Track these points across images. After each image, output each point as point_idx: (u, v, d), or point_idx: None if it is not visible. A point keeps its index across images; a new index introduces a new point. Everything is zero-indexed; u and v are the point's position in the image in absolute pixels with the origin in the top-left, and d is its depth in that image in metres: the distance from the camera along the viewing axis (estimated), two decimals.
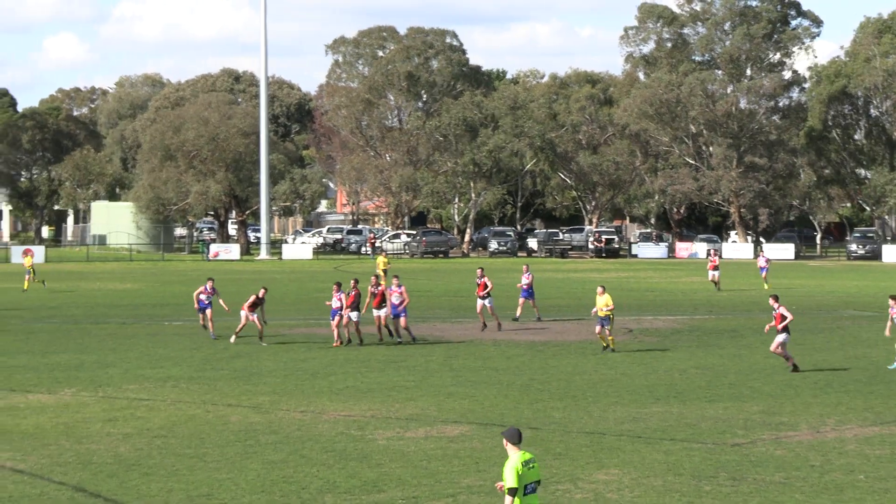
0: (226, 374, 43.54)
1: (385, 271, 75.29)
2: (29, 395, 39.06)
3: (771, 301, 44.16)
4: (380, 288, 53.26)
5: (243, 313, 52.65)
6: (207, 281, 56.76)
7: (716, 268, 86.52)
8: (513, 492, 18.94)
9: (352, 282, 52.89)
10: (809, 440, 31.95)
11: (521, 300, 63.44)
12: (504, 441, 19.31)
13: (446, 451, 30.48)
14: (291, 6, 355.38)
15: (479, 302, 59.30)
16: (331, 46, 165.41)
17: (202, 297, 55.49)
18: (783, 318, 43.04)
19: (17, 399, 38.08)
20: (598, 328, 50.37)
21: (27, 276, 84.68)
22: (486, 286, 58.17)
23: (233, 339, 52.64)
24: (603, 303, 49.31)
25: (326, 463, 29.02)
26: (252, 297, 52.78)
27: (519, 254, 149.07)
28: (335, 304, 51.43)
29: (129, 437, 32.11)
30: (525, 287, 63.27)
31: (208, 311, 55.25)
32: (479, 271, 60.00)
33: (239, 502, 25.39)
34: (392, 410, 36.20)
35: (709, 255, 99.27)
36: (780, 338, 43.18)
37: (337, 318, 51.61)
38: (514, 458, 19.05)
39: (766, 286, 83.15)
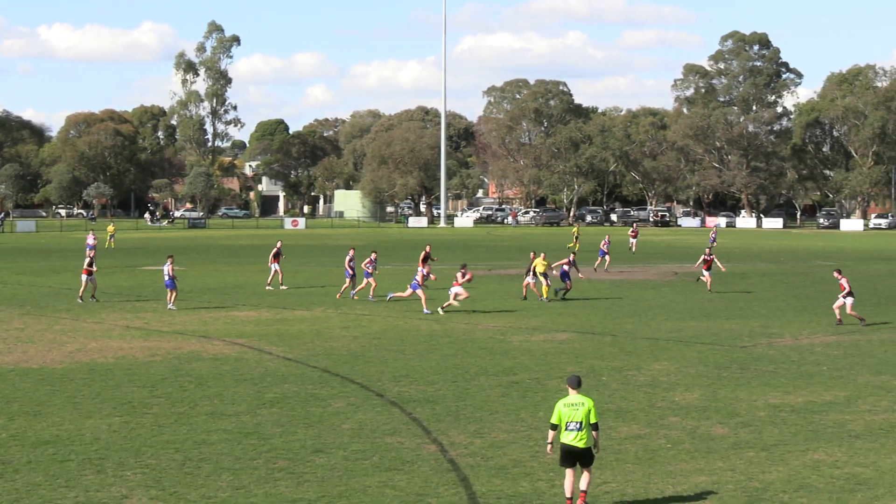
0: (419, 303, 43.56)
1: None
2: (294, 311, 39.25)
3: (835, 274, 36.49)
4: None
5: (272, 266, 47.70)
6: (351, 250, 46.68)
7: (635, 235, 78.71)
8: (553, 427, 15.32)
9: (531, 254, 45.16)
10: (791, 344, 31.36)
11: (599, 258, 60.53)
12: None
13: (557, 349, 30.32)
14: (462, 66, 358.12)
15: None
16: (486, 91, 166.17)
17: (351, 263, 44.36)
18: (846, 287, 35.40)
19: (285, 314, 38.38)
20: (530, 281, 43.58)
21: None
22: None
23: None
24: (538, 263, 43.25)
25: (481, 356, 28.96)
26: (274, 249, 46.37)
27: (605, 224, 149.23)
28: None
29: (357, 338, 32.27)
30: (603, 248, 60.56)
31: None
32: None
33: (426, 379, 25.48)
34: (522, 323, 36.10)
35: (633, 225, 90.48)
36: (849, 301, 35.45)
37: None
38: (564, 400, 15.42)
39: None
